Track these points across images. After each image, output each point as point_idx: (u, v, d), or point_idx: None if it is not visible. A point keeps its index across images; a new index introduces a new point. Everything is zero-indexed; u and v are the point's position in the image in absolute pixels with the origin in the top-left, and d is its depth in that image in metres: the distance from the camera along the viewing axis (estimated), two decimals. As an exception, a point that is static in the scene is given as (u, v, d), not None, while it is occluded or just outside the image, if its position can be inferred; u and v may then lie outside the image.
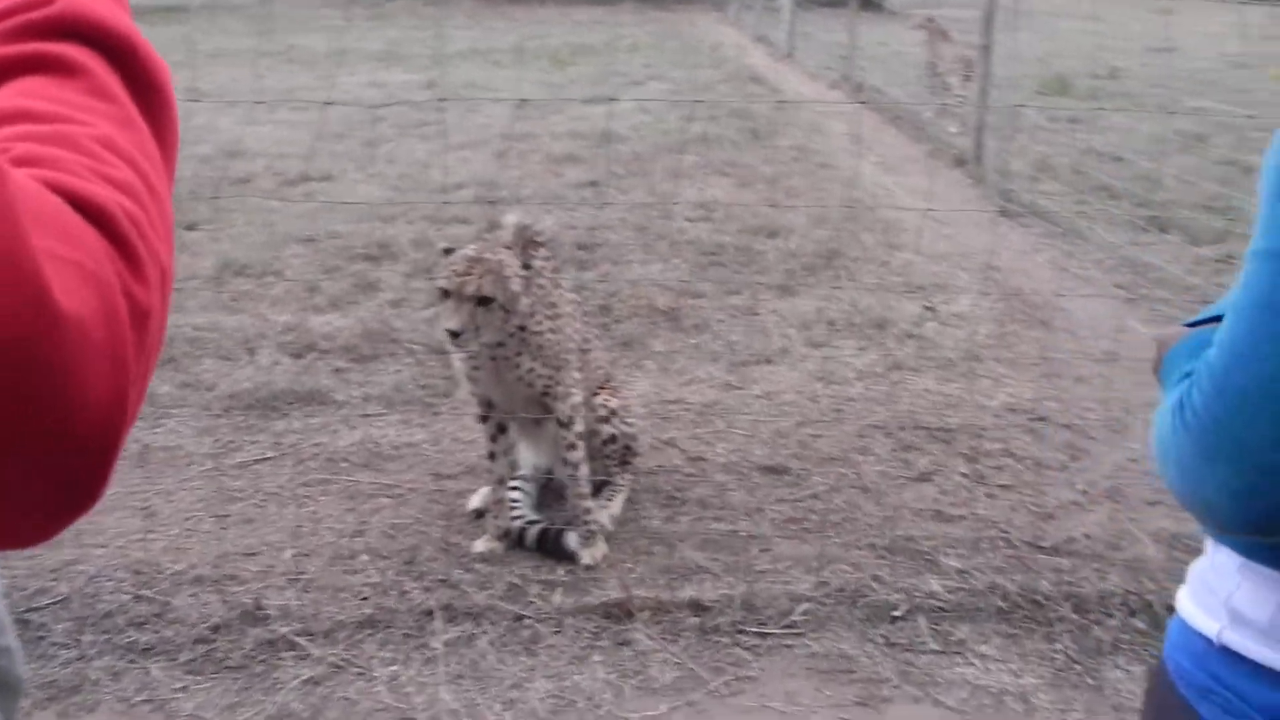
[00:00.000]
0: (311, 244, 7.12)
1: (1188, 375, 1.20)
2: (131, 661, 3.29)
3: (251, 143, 10.12)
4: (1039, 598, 3.50)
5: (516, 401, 3.73)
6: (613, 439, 4.02)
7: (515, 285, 3.43)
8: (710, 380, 5.14)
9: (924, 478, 4.31)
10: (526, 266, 3.50)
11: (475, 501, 4.05)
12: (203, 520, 4.00)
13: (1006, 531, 3.93)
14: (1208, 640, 1.31)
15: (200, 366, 5.23)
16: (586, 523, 3.76)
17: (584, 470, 3.78)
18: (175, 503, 4.16)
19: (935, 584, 3.58)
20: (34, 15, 0.75)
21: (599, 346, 4.15)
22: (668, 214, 7.75)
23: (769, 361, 5.35)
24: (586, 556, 3.70)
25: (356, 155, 9.88)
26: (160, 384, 5.05)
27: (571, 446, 3.76)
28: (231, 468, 4.41)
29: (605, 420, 4.01)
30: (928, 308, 5.88)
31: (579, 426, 3.77)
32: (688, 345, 5.51)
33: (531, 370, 3.61)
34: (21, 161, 0.67)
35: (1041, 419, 4.79)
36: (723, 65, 16.02)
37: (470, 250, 3.46)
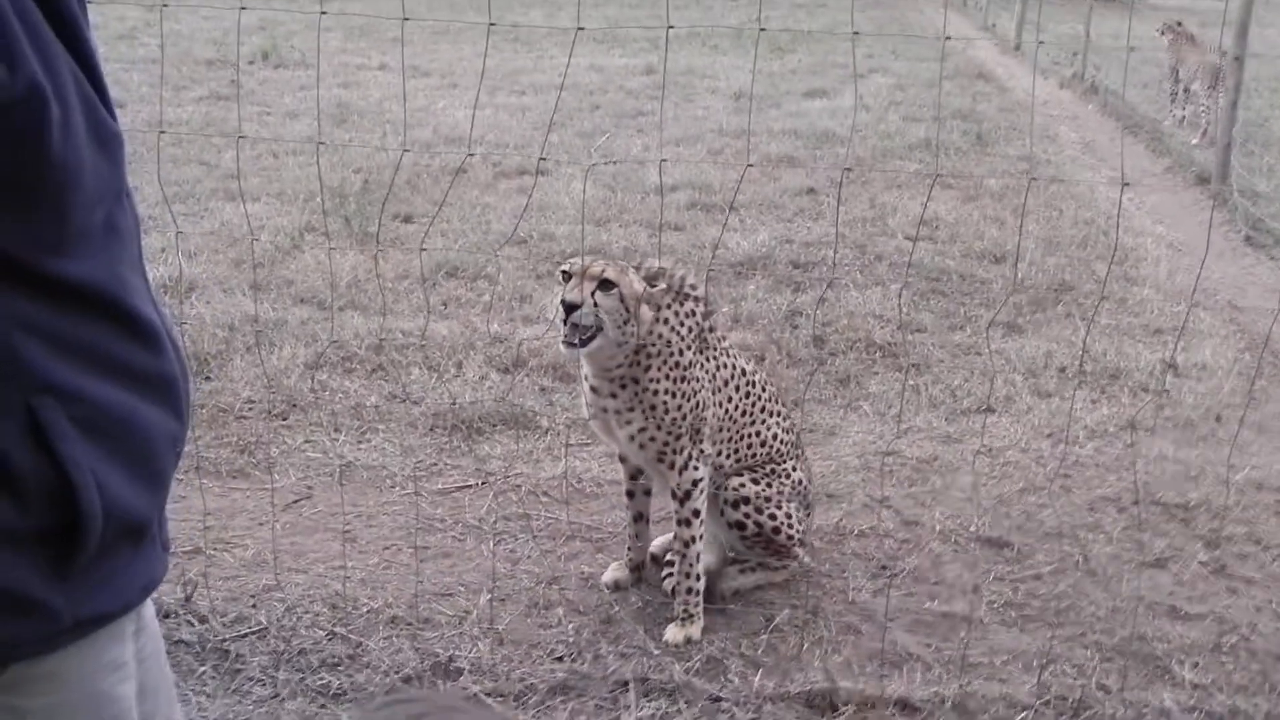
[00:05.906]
0: (524, 246, 7.07)
1: None
2: (323, 706, 3.26)
3: (469, 127, 10.18)
4: (1290, 730, 3.16)
5: (644, 463, 3.58)
6: (741, 525, 3.64)
7: (638, 286, 3.29)
8: (929, 430, 4.86)
9: (1159, 564, 3.97)
10: (651, 284, 3.35)
11: (609, 576, 3.84)
12: (400, 550, 3.97)
13: (1249, 638, 3.58)
14: None
15: (409, 377, 5.22)
16: (685, 605, 3.53)
17: (694, 550, 3.52)
18: (375, 528, 4.13)
19: (1168, 699, 3.26)
20: None
21: (776, 423, 3.72)
22: (887, 230, 7.46)
23: (991, 411, 5.02)
24: (669, 633, 3.52)
25: (571, 146, 9.83)
26: (369, 394, 5.06)
27: (683, 522, 3.51)
28: (433, 493, 4.36)
29: (733, 505, 3.63)
30: (1169, 365, 5.44)
31: (696, 503, 3.50)
32: (906, 387, 5.23)
33: (644, 430, 3.41)
34: None
35: (1293, 500, 4.38)
36: (948, 58, 15.46)
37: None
